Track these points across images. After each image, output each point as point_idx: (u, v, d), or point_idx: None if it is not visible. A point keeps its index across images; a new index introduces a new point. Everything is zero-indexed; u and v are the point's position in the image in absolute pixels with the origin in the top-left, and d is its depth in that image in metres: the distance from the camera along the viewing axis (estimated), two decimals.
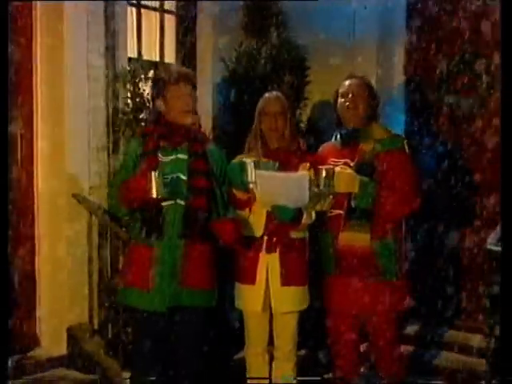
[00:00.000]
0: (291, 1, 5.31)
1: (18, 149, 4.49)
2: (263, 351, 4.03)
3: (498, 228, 4.06)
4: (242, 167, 3.91)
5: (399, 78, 5.31)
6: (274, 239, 3.87)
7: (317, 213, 3.94)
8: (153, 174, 3.56)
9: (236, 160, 4.00)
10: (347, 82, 3.99)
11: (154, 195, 3.57)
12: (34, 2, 4.55)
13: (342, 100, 3.95)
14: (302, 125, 5.05)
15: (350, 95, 3.93)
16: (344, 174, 3.79)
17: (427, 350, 4.90)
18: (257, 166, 3.90)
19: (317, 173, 3.84)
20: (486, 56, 4.94)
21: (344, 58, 5.07)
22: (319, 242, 4.04)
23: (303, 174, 3.82)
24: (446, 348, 4.89)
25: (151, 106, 4.17)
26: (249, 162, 3.90)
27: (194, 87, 3.83)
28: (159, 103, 3.79)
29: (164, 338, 3.81)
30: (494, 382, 3.94)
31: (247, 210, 3.91)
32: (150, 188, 3.59)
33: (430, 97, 5.23)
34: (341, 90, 3.99)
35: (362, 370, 4.17)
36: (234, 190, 3.88)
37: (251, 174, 3.87)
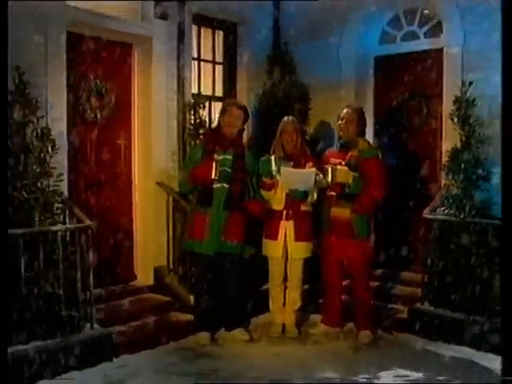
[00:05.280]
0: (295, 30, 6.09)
1: (121, 154, 5.41)
2: (280, 284, 4.94)
3: (432, 203, 4.87)
4: (269, 161, 4.67)
5: (370, 105, 6.06)
6: (290, 212, 4.74)
7: (318, 195, 4.70)
8: (213, 164, 4.49)
9: (265, 157, 4.76)
10: (345, 110, 4.74)
11: (213, 177, 4.47)
12: (133, 60, 5.39)
13: (339, 122, 4.76)
14: (307, 137, 5.75)
15: (344, 120, 4.72)
16: (342, 170, 4.60)
17: (386, 284, 5.69)
18: (278, 161, 4.62)
19: (324, 170, 4.61)
20: (426, 93, 5.72)
21: (333, 92, 5.92)
22: (320, 212, 4.87)
23: (311, 170, 4.63)
24: (398, 283, 5.70)
25: (216, 123, 4.93)
26: (273, 157, 4.67)
27: (243, 111, 4.68)
28: (220, 119, 4.70)
29: (214, 273, 4.70)
30: (425, 302, 4.85)
31: (272, 191, 4.73)
32: (212, 173, 4.46)
33: (390, 118, 5.98)
34: (340, 115, 4.76)
35: (343, 297, 4.96)
36: (263, 178, 4.71)
37: (274, 165, 4.60)
